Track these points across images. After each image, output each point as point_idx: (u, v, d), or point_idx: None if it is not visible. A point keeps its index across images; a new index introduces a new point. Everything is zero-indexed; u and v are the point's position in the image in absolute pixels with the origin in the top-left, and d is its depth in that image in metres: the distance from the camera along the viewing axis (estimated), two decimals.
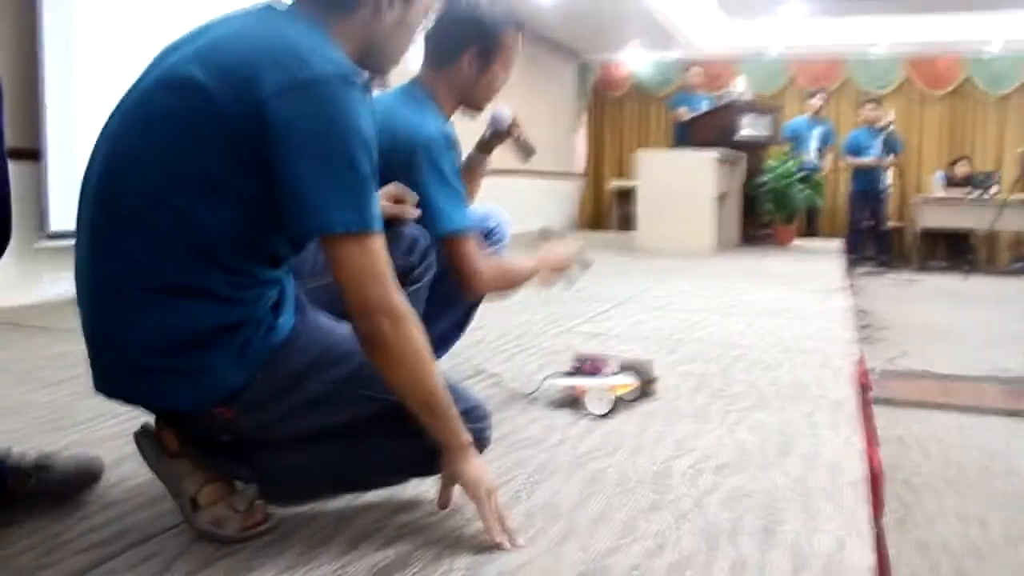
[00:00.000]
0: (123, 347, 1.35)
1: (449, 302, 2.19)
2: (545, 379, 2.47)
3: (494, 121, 2.38)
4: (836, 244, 8.35)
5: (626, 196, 9.33)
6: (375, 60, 1.49)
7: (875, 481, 2.48)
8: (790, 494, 1.72)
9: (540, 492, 1.71)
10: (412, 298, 1.82)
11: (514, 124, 2.38)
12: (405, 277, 1.79)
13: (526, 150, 2.42)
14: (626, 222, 9.08)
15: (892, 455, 2.98)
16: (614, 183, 10.52)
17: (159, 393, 1.37)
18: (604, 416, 2.23)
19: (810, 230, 9.31)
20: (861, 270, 8.52)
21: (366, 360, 1.37)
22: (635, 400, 2.37)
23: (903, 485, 2.73)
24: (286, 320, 1.42)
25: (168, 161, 1.30)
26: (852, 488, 1.77)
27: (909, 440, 3.20)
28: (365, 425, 1.44)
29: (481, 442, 1.50)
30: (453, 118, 2.23)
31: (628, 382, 2.35)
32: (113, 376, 1.38)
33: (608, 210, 10.87)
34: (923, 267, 9.26)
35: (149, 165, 1.32)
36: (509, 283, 2.17)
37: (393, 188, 1.85)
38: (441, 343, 2.26)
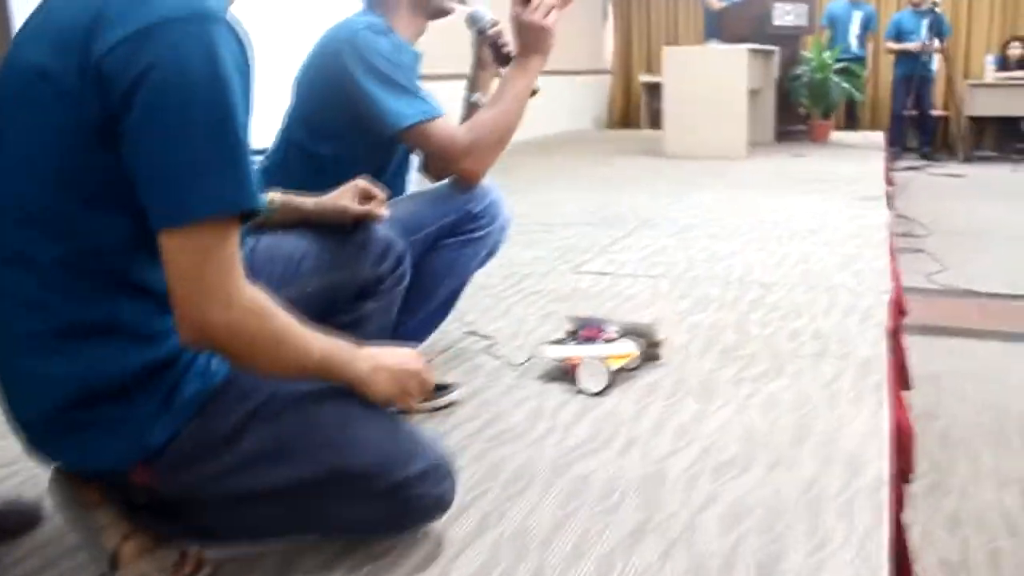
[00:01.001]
0: (27, 402, 1.15)
1: (432, 285, 1.96)
2: (539, 347, 2.26)
3: (471, 21, 2.02)
4: (877, 137, 7.91)
5: (656, 91, 8.87)
6: None
7: (904, 444, 2.26)
8: (798, 507, 1.50)
9: (512, 513, 1.51)
10: (379, 310, 1.61)
11: (495, 27, 2.03)
12: (373, 288, 1.58)
13: (502, 59, 2.06)
14: (657, 119, 8.66)
15: (926, 402, 2.75)
16: (643, 78, 10.04)
17: (70, 451, 1.18)
18: (599, 394, 2.02)
19: (850, 123, 8.84)
20: (903, 164, 8.09)
21: (322, 407, 1.18)
22: (637, 368, 2.16)
23: (937, 440, 2.50)
24: (220, 359, 1.18)
25: (30, 167, 1.07)
26: (870, 496, 1.55)
27: (945, 380, 2.95)
28: (316, 484, 1.21)
29: (439, 505, 1.28)
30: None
31: (627, 351, 2.12)
32: (27, 433, 1.19)
33: (638, 107, 10.41)
34: (969, 158, 8.77)
35: (10, 177, 1.09)
36: (503, 131, 1.87)
37: (361, 183, 1.61)
38: (426, 326, 2.05)
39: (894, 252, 4.33)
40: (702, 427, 1.84)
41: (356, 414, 1.23)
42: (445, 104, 1.91)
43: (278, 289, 1.43)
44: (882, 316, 2.57)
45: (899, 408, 2.30)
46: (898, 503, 1.74)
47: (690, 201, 4.72)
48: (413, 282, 1.91)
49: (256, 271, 1.29)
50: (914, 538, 2.00)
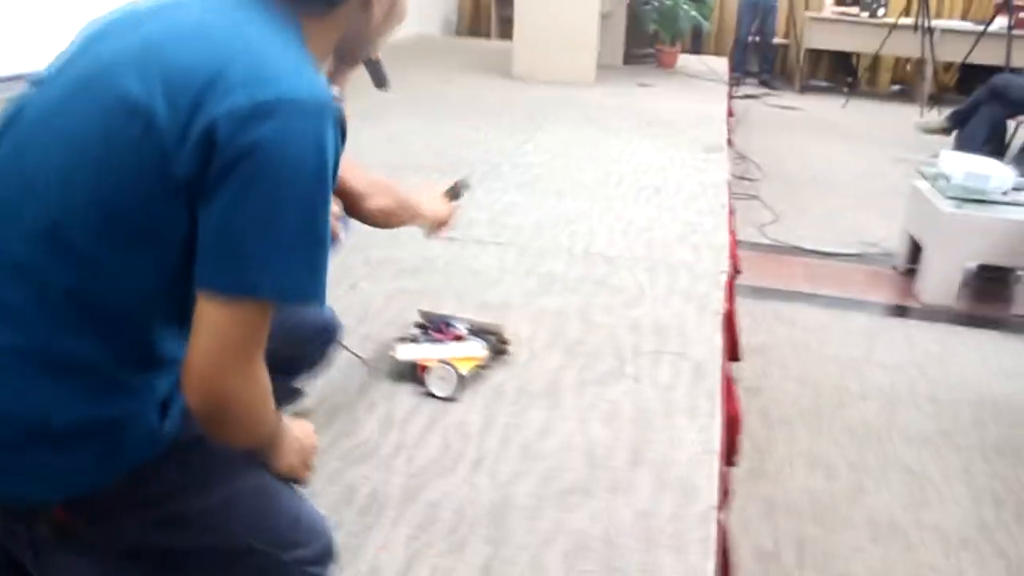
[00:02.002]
0: None
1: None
2: (391, 344, 2.26)
3: None
4: (721, 64, 8.10)
5: None
6: (352, 54, 1.27)
7: (732, 429, 2.43)
8: (633, 542, 1.61)
9: (366, 550, 1.55)
10: (283, 386, 1.58)
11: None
12: (295, 365, 1.57)
13: (380, 77, 2.05)
14: (506, 29, 8.53)
15: (751, 375, 2.94)
16: None
17: None
18: (447, 399, 2.05)
19: (695, 48, 9.02)
20: (742, 91, 8.36)
21: (244, 483, 1.18)
22: (485, 367, 2.20)
23: (760, 419, 2.69)
24: (172, 422, 1.13)
25: (83, 192, 1.01)
26: (700, 526, 1.67)
27: (770, 350, 3.16)
28: (223, 553, 1.20)
29: None
30: None
31: (476, 354, 2.16)
32: None
33: (488, 13, 10.21)
34: (805, 87, 9.15)
35: (56, 192, 1.02)
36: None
37: None
38: None
39: (731, 204, 4.54)
40: (546, 443, 1.91)
41: (273, 493, 1.23)
42: None
43: None
44: (718, 303, 2.71)
45: (728, 394, 2.46)
46: (723, 494, 1.89)
47: (537, 141, 4.73)
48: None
49: None
50: (733, 525, 2.17)
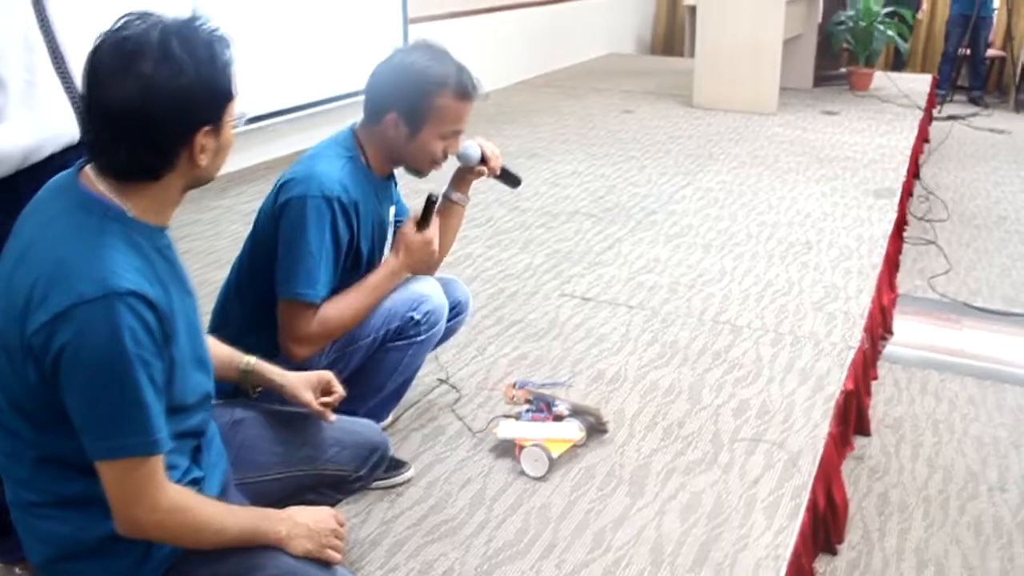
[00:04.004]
0: (32, 551, 1.40)
1: (382, 380, 2.12)
2: (495, 420, 2.44)
3: (461, 159, 2.21)
4: (921, 84, 7.67)
5: None
6: (199, 185, 1.42)
7: (837, 517, 2.42)
8: None
9: None
10: (343, 499, 1.80)
11: (486, 160, 2.22)
12: (350, 485, 1.74)
13: (511, 181, 2.32)
14: None
15: (880, 454, 2.87)
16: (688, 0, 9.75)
17: None
18: (539, 479, 2.20)
19: (897, 64, 8.59)
20: (946, 112, 7.88)
21: (281, 571, 1.40)
22: (583, 444, 2.33)
23: (877, 504, 2.63)
24: None
25: (3, 391, 1.32)
26: None
27: (907, 426, 3.05)
28: None
29: None
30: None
31: (570, 436, 2.29)
32: (37, 568, 1.43)
33: (681, 30, 10.16)
34: (1022, 106, 8.48)
35: None
36: (349, 324, 1.99)
37: (325, 375, 1.73)
38: (379, 411, 2.22)
39: (898, 253, 4.38)
40: (619, 534, 2.02)
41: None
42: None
43: (272, 464, 1.66)
44: (836, 384, 2.69)
45: (835, 480, 2.45)
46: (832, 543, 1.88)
47: (698, 184, 4.76)
48: (364, 376, 2.09)
49: (254, 438, 1.63)
50: None
